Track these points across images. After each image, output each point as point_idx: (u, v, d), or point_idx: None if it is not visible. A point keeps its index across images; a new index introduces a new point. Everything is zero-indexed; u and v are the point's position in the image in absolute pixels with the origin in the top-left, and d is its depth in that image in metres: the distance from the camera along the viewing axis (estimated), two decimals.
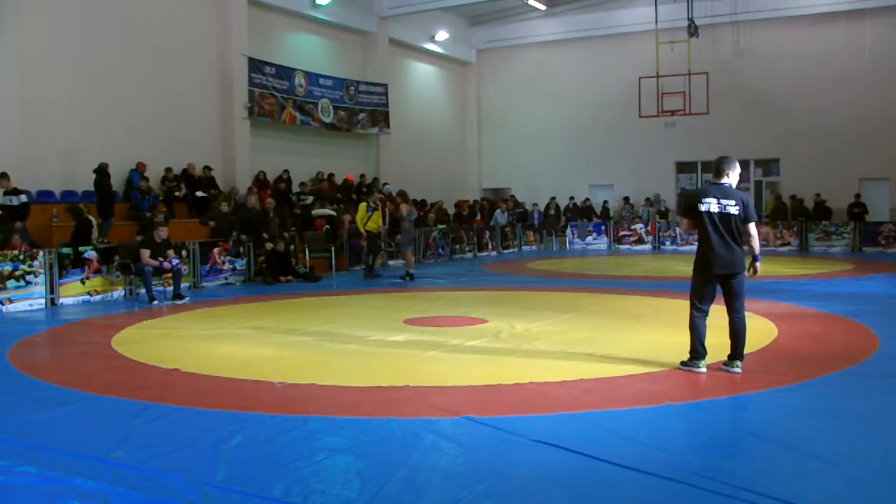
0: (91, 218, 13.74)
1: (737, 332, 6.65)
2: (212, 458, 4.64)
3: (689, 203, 6.81)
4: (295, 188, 20.12)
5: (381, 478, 4.28)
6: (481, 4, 25.65)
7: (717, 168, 6.73)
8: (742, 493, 3.94)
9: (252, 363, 7.45)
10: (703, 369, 6.68)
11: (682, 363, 6.82)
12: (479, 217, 24.44)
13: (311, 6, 21.37)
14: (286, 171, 19.74)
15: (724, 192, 6.60)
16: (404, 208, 15.87)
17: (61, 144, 15.52)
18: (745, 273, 6.61)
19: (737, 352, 6.70)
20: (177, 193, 17.02)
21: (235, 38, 18.94)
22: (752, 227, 6.64)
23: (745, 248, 6.66)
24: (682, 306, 10.83)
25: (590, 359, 7.35)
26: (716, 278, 6.61)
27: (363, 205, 16.32)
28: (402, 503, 3.95)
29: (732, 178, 6.69)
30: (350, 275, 16.74)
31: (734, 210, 6.51)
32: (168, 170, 17.24)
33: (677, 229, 23.23)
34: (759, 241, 6.71)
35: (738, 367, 6.65)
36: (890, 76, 22.92)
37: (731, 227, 6.51)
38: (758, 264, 6.67)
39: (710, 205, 6.54)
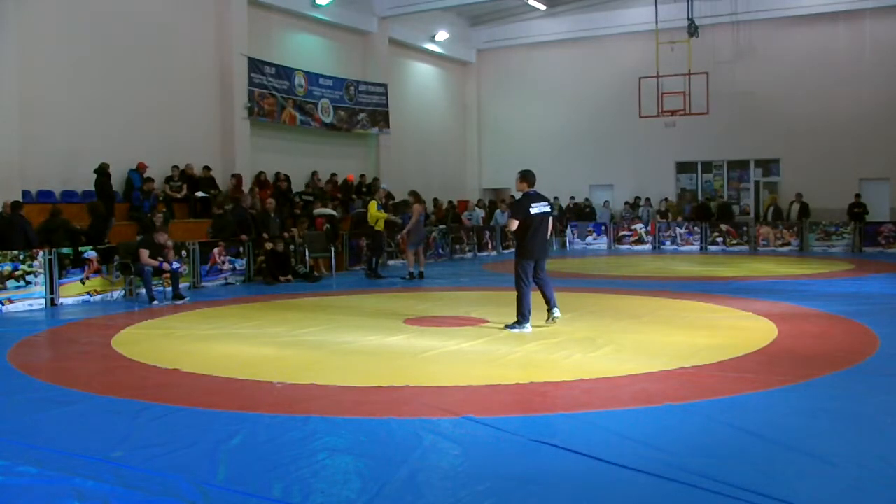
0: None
1: (543, 288, 9.03)
2: (212, 458, 4.64)
3: (522, 209, 8.82)
4: (295, 188, 20.09)
5: (381, 478, 4.28)
6: (481, 4, 25.63)
7: (531, 179, 8.95)
8: (742, 493, 3.95)
9: (252, 363, 7.45)
10: (529, 329, 8.72)
11: (508, 325, 8.89)
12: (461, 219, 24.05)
13: (311, 6, 21.36)
14: (280, 173, 19.69)
15: (540, 197, 8.95)
16: (417, 209, 15.68)
17: (61, 144, 15.51)
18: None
19: (550, 302, 9.03)
20: (178, 195, 17.01)
21: (235, 38, 18.91)
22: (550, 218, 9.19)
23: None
24: (683, 306, 10.92)
25: (589, 359, 7.35)
26: (535, 261, 8.90)
27: (374, 202, 16.20)
28: (402, 503, 3.96)
29: (536, 185, 9.00)
30: (350, 275, 16.74)
31: (547, 208, 8.99)
32: (175, 167, 17.26)
33: (678, 230, 23.25)
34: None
35: (556, 311, 9.00)
36: (890, 76, 22.90)
37: (549, 223, 9.02)
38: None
39: (539, 208, 8.83)
